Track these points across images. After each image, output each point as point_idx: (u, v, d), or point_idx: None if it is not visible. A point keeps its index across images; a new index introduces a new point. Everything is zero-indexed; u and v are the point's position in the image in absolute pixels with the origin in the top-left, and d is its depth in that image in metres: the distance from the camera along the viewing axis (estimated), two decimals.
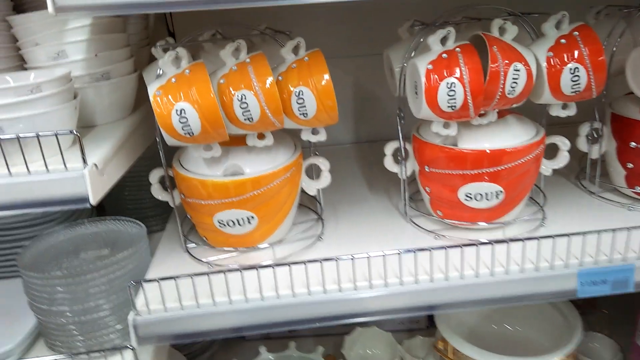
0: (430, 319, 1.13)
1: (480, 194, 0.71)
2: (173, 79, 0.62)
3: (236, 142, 0.70)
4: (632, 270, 0.67)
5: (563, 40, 0.67)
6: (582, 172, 0.88)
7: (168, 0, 0.51)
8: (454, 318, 0.94)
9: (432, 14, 0.73)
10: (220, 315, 0.65)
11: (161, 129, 0.63)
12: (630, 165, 0.79)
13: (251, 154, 0.71)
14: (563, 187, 0.87)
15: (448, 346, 0.88)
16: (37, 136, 0.57)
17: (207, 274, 0.64)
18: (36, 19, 0.70)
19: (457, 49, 0.65)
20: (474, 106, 0.66)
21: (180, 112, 0.61)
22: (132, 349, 0.67)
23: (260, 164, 0.70)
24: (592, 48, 0.66)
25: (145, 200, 0.95)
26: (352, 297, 0.66)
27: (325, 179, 0.76)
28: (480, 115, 0.70)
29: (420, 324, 1.16)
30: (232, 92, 0.63)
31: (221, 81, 0.63)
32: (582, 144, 0.81)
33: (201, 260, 0.74)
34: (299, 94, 0.65)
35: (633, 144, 0.77)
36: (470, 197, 0.72)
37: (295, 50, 0.67)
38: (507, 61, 0.65)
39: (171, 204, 0.75)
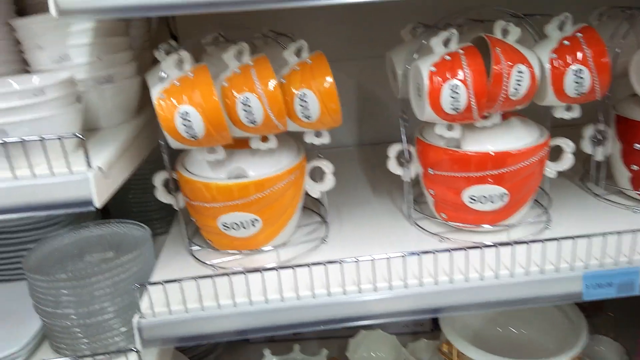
0: (435, 321, 1.13)
1: (485, 197, 0.71)
2: (176, 82, 0.62)
3: (240, 145, 0.70)
4: (638, 273, 0.66)
5: (566, 42, 0.67)
6: (586, 174, 0.88)
7: (171, 3, 0.51)
8: (458, 321, 0.93)
9: (435, 16, 0.73)
10: (225, 318, 0.65)
11: (165, 132, 0.63)
12: (635, 167, 0.78)
13: (255, 156, 0.71)
14: (568, 190, 0.87)
15: (453, 349, 0.88)
16: (42, 139, 0.57)
17: (211, 276, 0.64)
18: (39, 22, 0.71)
19: (460, 51, 0.65)
20: (478, 108, 0.65)
21: (184, 115, 0.61)
22: (136, 352, 0.67)
23: (264, 167, 0.70)
24: (596, 49, 0.66)
25: (149, 203, 0.96)
26: (356, 299, 0.66)
27: (329, 182, 0.76)
28: (484, 118, 0.70)
29: (425, 326, 1.16)
30: (236, 95, 0.63)
31: (224, 84, 0.63)
32: (587, 146, 0.80)
33: (205, 263, 0.74)
34: (302, 96, 0.65)
35: (637, 145, 0.76)
36: (475, 200, 0.71)
37: (298, 52, 0.67)
38: (510, 63, 0.65)
39: (175, 207, 0.75)
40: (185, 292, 0.64)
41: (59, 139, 0.57)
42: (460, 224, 0.76)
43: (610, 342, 1.00)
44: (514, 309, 0.83)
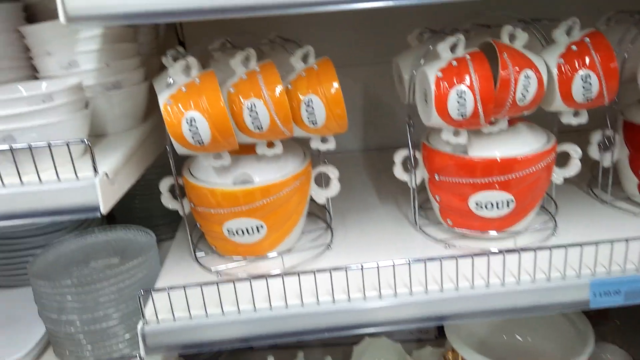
0: (440, 329, 1.12)
1: (491, 203, 0.70)
2: (183, 88, 0.62)
3: (246, 151, 0.70)
4: None
5: (574, 47, 0.66)
6: (594, 180, 0.87)
7: (178, 10, 0.51)
8: (464, 328, 0.93)
9: (442, 22, 0.73)
10: (229, 325, 0.65)
11: (171, 138, 0.63)
12: None
13: (261, 162, 0.71)
14: (575, 196, 0.86)
15: (458, 357, 0.87)
16: (49, 145, 0.57)
17: (215, 283, 0.64)
18: (48, 29, 0.71)
19: (467, 56, 0.65)
20: (485, 114, 0.65)
21: (191, 121, 0.61)
22: (140, 359, 0.67)
23: (269, 173, 0.70)
24: (604, 54, 0.65)
25: (155, 209, 0.95)
26: (361, 307, 0.65)
27: (335, 188, 0.76)
28: (491, 123, 0.70)
29: (430, 334, 1.15)
30: (242, 100, 0.63)
31: (231, 90, 0.64)
32: (594, 152, 0.80)
33: (210, 269, 0.74)
34: (308, 102, 0.65)
35: None
36: (481, 206, 0.71)
37: (305, 58, 0.67)
38: (517, 68, 0.64)
39: (181, 213, 0.75)
40: (190, 298, 0.64)
41: (66, 144, 0.57)
42: (466, 231, 0.75)
43: (616, 350, 0.99)
44: (520, 317, 0.83)
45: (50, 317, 0.70)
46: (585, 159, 0.75)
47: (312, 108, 0.65)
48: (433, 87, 0.64)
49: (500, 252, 0.66)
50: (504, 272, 0.66)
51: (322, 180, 0.77)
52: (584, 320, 0.90)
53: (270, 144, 0.69)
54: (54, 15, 0.53)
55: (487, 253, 0.66)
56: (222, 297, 0.64)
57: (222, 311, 0.64)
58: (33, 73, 0.76)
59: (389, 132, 1.13)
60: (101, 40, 0.72)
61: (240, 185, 0.69)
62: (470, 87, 0.64)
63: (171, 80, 0.63)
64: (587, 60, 0.65)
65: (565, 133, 0.75)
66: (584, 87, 0.66)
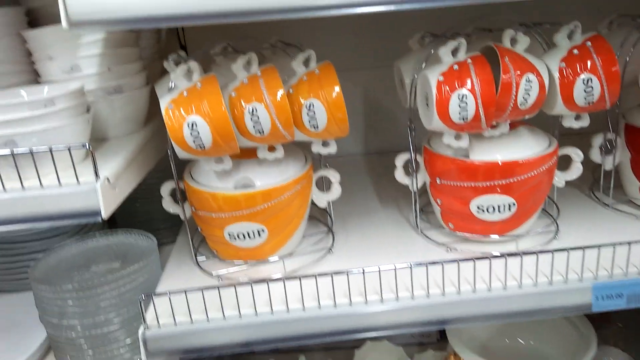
0: (442, 332, 1.11)
1: (493, 207, 0.70)
2: (185, 92, 0.62)
3: (247, 155, 0.70)
4: None
5: (576, 51, 0.66)
6: (595, 183, 0.87)
7: (180, 15, 0.52)
8: (465, 332, 0.92)
9: (443, 25, 0.73)
10: (230, 330, 0.65)
11: (173, 142, 0.63)
12: None
13: (262, 166, 0.71)
14: (576, 199, 0.86)
15: None
16: (50, 150, 0.57)
17: (217, 287, 0.64)
18: (50, 33, 0.71)
19: (469, 60, 0.65)
20: (486, 118, 0.65)
21: (192, 126, 0.61)
22: None
23: (270, 177, 0.70)
24: (606, 58, 0.65)
25: (156, 213, 0.95)
26: (362, 311, 0.65)
27: (336, 191, 0.76)
28: (492, 127, 0.70)
29: (432, 337, 1.15)
30: (243, 105, 0.63)
31: (232, 94, 0.64)
32: (596, 155, 0.80)
33: (211, 274, 0.74)
34: (309, 106, 0.65)
35: None
36: (483, 210, 0.71)
37: (306, 62, 0.67)
38: (519, 72, 0.64)
39: (182, 217, 0.75)
40: (191, 303, 0.64)
41: (68, 149, 0.57)
42: (468, 234, 0.75)
43: (619, 353, 0.99)
44: (522, 320, 0.82)
45: (51, 321, 0.70)
46: (586, 162, 0.75)
47: (314, 112, 0.65)
48: (434, 91, 0.64)
49: (502, 255, 0.66)
50: (505, 276, 0.66)
51: (324, 184, 0.77)
52: (586, 323, 0.90)
53: (272, 148, 0.69)
54: (56, 20, 0.53)
55: (489, 257, 0.66)
56: (223, 301, 0.64)
57: (224, 315, 0.64)
58: (35, 77, 0.76)
59: (390, 136, 1.13)
60: (103, 44, 0.72)
61: (241, 189, 0.69)
62: (472, 91, 0.64)
63: (173, 85, 0.63)
64: (589, 64, 0.65)
65: (566, 136, 0.75)
66: (585, 91, 0.66)
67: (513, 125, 0.73)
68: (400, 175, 0.78)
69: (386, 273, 0.65)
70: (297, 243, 0.78)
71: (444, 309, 0.66)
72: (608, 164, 0.80)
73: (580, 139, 0.77)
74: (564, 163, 0.74)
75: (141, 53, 0.81)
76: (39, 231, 0.85)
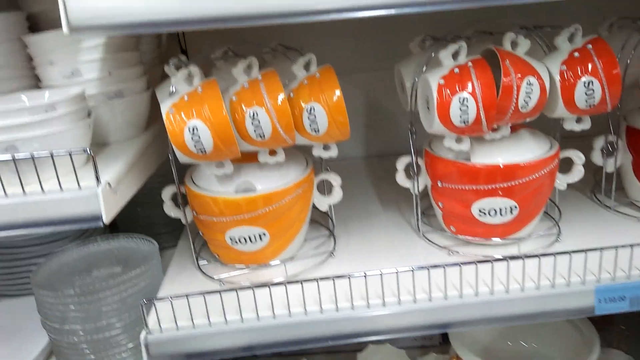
0: (444, 335, 1.11)
1: (494, 210, 0.70)
2: (185, 97, 0.62)
3: (248, 159, 0.70)
4: None
5: (576, 54, 0.66)
6: (597, 186, 0.87)
7: (181, 20, 0.52)
8: (468, 335, 0.92)
9: (443, 29, 0.73)
10: (232, 334, 0.65)
11: (174, 147, 0.63)
12: None
13: (263, 170, 0.71)
14: (578, 202, 0.86)
15: None
16: (52, 155, 0.57)
17: (218, 292, 0.64)
18: (51, 38, 0.71)
19: (469, 63, 0.65)
20: (487, 121, 0.65)
21: (193, 130, 0.61)
22: None
23: (271, 181, 0.70)
24: (606, 61, 0.65)
25: (157, 217, 0.95)
26: (364, 315, 0.65)
27: (337, 195, 0.75)
28: (493, 130, 0.70)
29: (434, 340, 1.14)
30: (244, 109, 0.63)
31: (233, 98, 0.64)
32: (597, 158, 0.80)
33: (213, 278, 0.74)
34: (310, 110, 0.65)
35: None
36: (484, 213, 0.71)
37: (307, 66, 0.67)
38: (519, 75, 0.64)
39: (183, 221, 0.75)
40: (193, 307, 0.64)
41: (69, 154, 0.57)
42: (470, 237, 0.75)
43: (622, 356, 0.98)
44: (525, 324, 0.82)
45: (53, 326, 0.70)
46: (588, 165, 0.75)
47: (314, 116, 0.65)
48: (435, 94, 0.64)
49: (504, 258, 0.65)
50: (508, 279, 0.65)
51: (325, 188, 0.77)
52: (589, 326, 0.90)
53: (273, 152, 0.69)
54: (56, 25, 0.53)
55: (490, 260, 0.65)
56: (225, 305, 0.64)
57: (225, 320, 0.64)
58: (36, 82, 0.76)
59: (391, 139, 1.13)
60: (103, 49, 0.72)
61: (242, 194, 0.69)
62: (473, 94, 0.64)
63: (173, 89, 0.63)
64: (590, 66, 0.65)
65: (568, 139, 0.75)
66: (586, 94, 0.66)
67: (514, 128, 0.73)
68: (401, 179, 0.78)
69: (388, 276, 0.65)
70: (299, 247, 0.77)
71: (446, 313, 0.66)
72: (610, 166, 0.80)
73: (582, 141, 0.77)
74: (566, 165, 0.74)
75: (142, 57, 0.81)
76: (40, 236, 0.85)
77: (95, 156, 0.58)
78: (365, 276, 0.64)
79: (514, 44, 0.67)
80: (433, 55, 0.68)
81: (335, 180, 0.75)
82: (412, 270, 0.65)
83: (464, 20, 0.72)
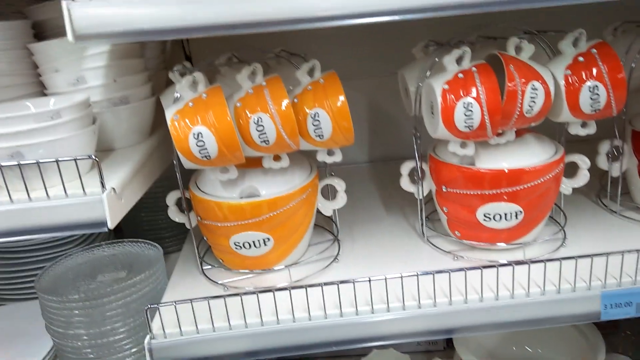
0: (449, 340, 1.11)
1: (499, 214, 0.70)
2: (190, 103, 0.63)
3: (252, 164, 0.70)
4: None
5: (581, 58, 0.66)
6: (602, 190, 0.87)
7: (186, 27, 0.52)
8: (472, 339, 0.92)
9: (447, 34, 0.73)
10: (236, 339, 0.65)
11: (178, 153, 0.63)
12: None
13: (267, 175, 0.71)
14: (584, 206, 0.85)
15: None
16: (57, 162, 0.57)
17: (223, 297, 0.64)
18: (56, 46, 0.72)
19: (474, 68, 0.65)
20: (492, 126, 0.65)
21: (198, 136, 0.61)
22: None
23: (276, 186, 0.70)
24: (611, 65, 0.65)
25: (161, 222, 0.96)
26: (369, 320, 0.65)
27: (341, 200, 0.75)
28: (498, 135, 0.70)
29: (439, 345, 1.14)
30: (249, 115, 0.63)
31: (238, 104, 0.64)
32: (603, 162, 0.79)
33: (217, 283, 0.74)
34: (314, 115, 0.65)
35: None
36: (489, 218, 0.70)
37: (311, 72, 0.67)
38: (524, 80, 0.64)
39: (188, 226, 0.75)
40: (197, 312, 0.64)
41: (74, 160, 0.58)
42: (475, 242, 0.75)
43: None
44: (530, 329, 0.82)
45: (58, 331, 0.70)
46: (593, 169, 0.74)
47: (319, 121, 0.65)
48: (439, 99, 0.64)
49: (510, 263, 0.65)
50: (513, 284, 0.65)
51: (329, 193, 0.77)
52: (594, 331, 0.89)
53: (277, 157, 0.69)
54: (61, 33, 0.54)
55: (496, 265, 0.65)
56: (229, 310, 0.64)
57: (229, 325, 0.64)
58: (41, 89, 0.77)
59: (395, 144, 1.13)
60: (108, 56, 0.73)
61: (247, 199, 0.69)
62: (477, 99, 0.64)
63: (178, 95, 0.64)
64: (594, 71, 0.65)
65: (573, 143, 0.74)
66: (591, 99, 0.66)
67: (519, 133, 0.73)
68: (405, 184, 0.77)
69: (393, 282, 0.65)
70: (303, 252, 0.77)
71: (451, 318, 0.65)
72: (615, 170, 0.79)
73: (587, 145, 0.77)
74: (571, 170, 0.74)
75: (146, 64, 0.82)
76: (45, 241, 0.86)
77: (100, 162, 0.58)
78: (369, 281, 0.64)
79: (518, 49, 0.67)
80: (437, 60, 0.68)
81: (339, 185, 0.75)
82: (417, 275, 0.64)
83: (468, 25, 0.71)
